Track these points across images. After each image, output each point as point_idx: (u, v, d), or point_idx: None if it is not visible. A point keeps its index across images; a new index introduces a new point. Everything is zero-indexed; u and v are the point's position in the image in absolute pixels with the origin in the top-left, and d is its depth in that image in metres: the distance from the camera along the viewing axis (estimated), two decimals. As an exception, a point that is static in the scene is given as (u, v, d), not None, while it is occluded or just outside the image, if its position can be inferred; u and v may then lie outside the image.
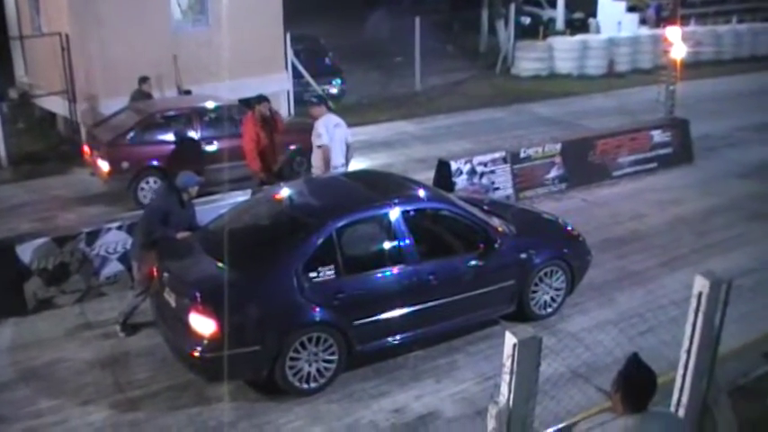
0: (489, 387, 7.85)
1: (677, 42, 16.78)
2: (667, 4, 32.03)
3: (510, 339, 4.74)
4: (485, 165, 13.58)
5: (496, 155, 13.84)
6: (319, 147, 11.42)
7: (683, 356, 6.16)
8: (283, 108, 20.36)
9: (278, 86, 20.33)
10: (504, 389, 4.84)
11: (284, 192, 9.45)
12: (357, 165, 12.32)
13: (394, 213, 8.54)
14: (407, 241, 8.49)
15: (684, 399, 6.27)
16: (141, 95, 15.78)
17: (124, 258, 10.28)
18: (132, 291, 9.47)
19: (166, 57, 17.47)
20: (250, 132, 11.99)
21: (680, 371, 6.23)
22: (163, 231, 8.96)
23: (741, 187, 14.85)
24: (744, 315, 8.92)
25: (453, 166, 13.28)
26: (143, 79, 16.03)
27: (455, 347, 8.95)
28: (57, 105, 18.38)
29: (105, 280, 10.40)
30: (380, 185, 9.54)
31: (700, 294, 5.92)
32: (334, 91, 22.73)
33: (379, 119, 20.86)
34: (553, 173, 14.42)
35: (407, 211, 8.69)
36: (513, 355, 4.72)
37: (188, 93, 16.75)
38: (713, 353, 6.23)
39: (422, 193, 9.37)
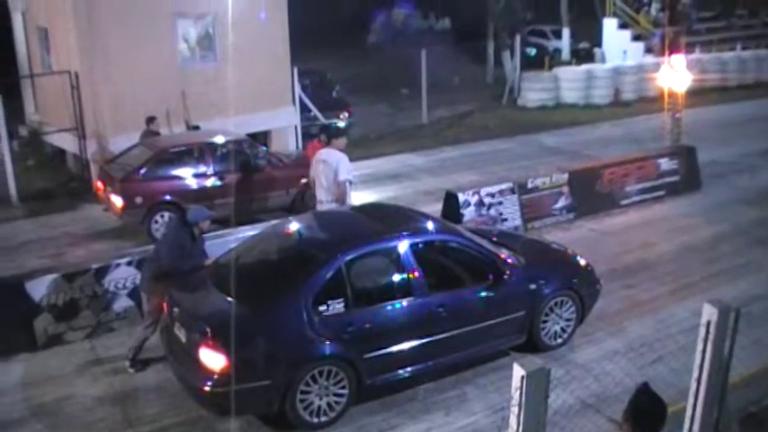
0: (499, 419, 7.80)
1: (682, 70, 16.85)
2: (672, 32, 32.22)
3: (518, 371, 4.73)
4: (492, 196, 13.61)
5: (504, 186, 13.87)
6: None
7: (693, 385, 6.14)
8: (291, 142, 20.48)
9: (286, 121, 20.47)
10: (512, 421, 4.83)
11: (293, 225, 9.50)
12: (364, 198, 12.35)
13: (403, 246, 8.56)
14: (416, 274, 8.49)
15: (696, 428, 6.24)
16: (150, 135, 15.95)
17: (134, 294, 10.32)
18: (142, 323, 9.49)
19: (175, 93, 17.65)
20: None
21: (690, 400, 6.20)
22: (176, 265, 9.00)
23: (749, 213, 14.83)
24: (754, 342, 8.91)
25: (461, 197, 13.31)
26: (150, 119, 16.24)
27: (465, 379, 8.93)
28: (66, 142, 18.54)
29: (115, 315, 10.43)
30: (389, 218, 9.57)
31: (708, 323, 5.91)
32: (341, 124, 22.82)
33: (387, 151, 20.94)
34: (561, 203, 14.44)
35: (416, 244, 8.71)
36: (522, 387, 4.71)
37: (196, 128, 16.88)
38: (723, 381, 6.21)
39: (430, 225, 9.40)
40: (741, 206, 15.35)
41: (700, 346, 6.01)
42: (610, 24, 32.46)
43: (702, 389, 6.12)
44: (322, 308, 7.93)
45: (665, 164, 15.92)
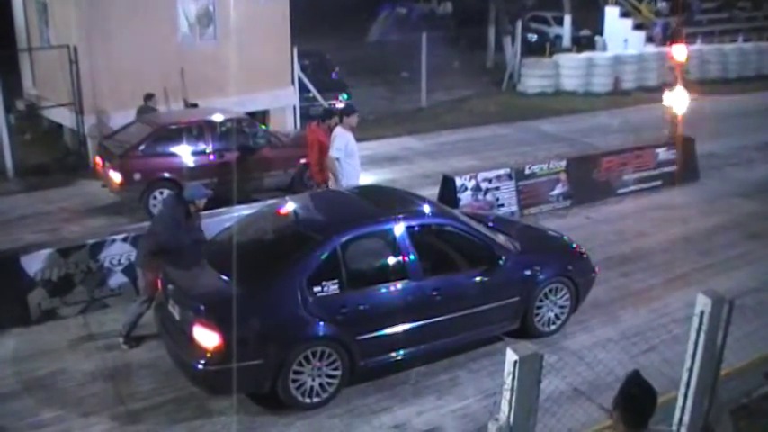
0: (491, 404, 7.82)
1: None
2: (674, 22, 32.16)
3: (511, 356, 4.75)
4: (489, 181, 13.61)
5: (501, 171, 13.87)
6: None
7: (685, 375, 6.16)
8: (290, 122, 20.44)
9: (285, 101, 20.42)
10: (504, 406, 4.84)
11: (289, 205, 9.49)
12: (361, 180, 12.32)
13: (398, 229, 8.55)
14: (411, 257, 8.49)
15: (686, 418, 6.26)
16: (147, 111, 15.88)
17: (129, 270, 10.32)
18: (137, 299, 9.48)
19: (174, 70, 17.57)
20: (316, 144, 12.33)
21: (681, 389, 6.22)
22: (172, 242, 8.99)
23: (745, 206, 14.85)
24: (747, 334, 8.90)
25: (458, 182, 13.31)
26: (149, 96, 16.17)
27: (457, 363, 8.95)
28: (64, 117, 18.47)
29: (109, 291, 10.42)
30: (385, 201, 9.54)
31: (701, 313, 5.92)
32: (339, 106, 22.70)
33: (385, 134, 20.89)
34: (558, 190, 14.44)
35: (412, 227, 8.69)
36: (514, 372, 4.73)
37: (194, 106, 16.82)
38: (715, 372, 6.23)
39: (426, 208, 9.38)
40: (737, 199, 15.36)
41: (692, 337, 6.02)
42: (612, 13, 32.42)
43: (694, 379, 6.13)
44: (316, 288, 7.93)
45: (663, 154, 15.90)
